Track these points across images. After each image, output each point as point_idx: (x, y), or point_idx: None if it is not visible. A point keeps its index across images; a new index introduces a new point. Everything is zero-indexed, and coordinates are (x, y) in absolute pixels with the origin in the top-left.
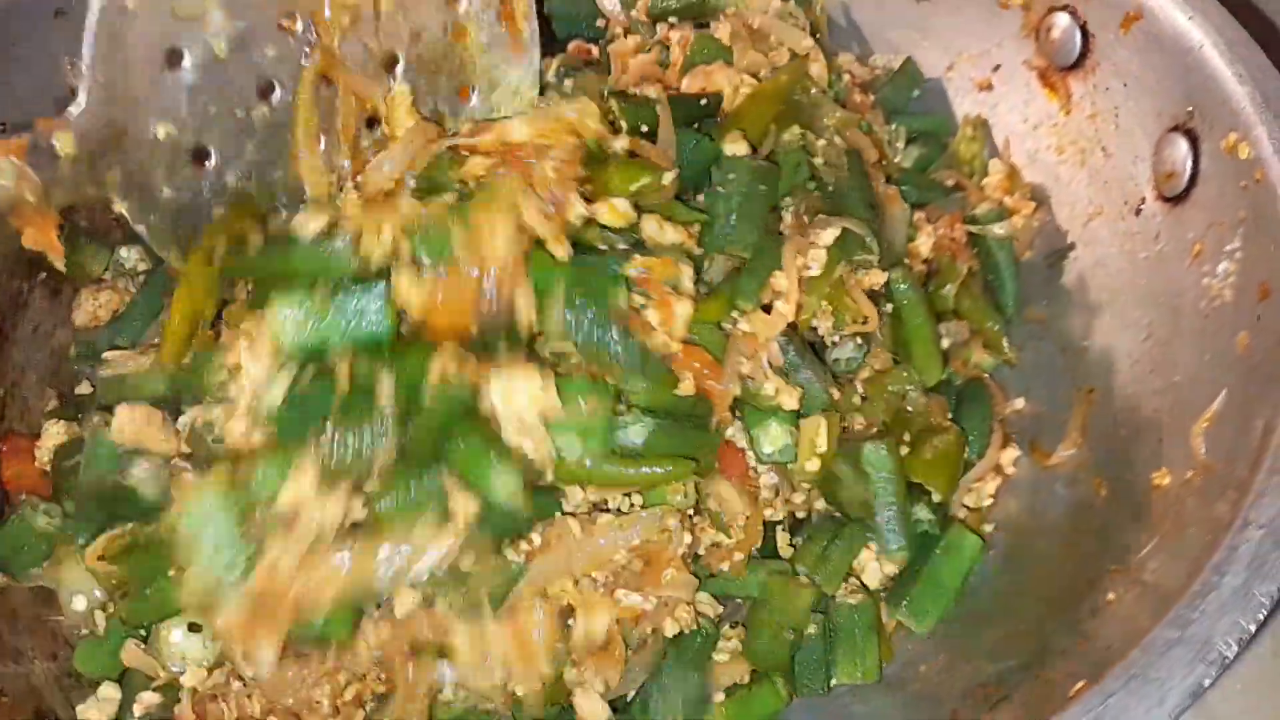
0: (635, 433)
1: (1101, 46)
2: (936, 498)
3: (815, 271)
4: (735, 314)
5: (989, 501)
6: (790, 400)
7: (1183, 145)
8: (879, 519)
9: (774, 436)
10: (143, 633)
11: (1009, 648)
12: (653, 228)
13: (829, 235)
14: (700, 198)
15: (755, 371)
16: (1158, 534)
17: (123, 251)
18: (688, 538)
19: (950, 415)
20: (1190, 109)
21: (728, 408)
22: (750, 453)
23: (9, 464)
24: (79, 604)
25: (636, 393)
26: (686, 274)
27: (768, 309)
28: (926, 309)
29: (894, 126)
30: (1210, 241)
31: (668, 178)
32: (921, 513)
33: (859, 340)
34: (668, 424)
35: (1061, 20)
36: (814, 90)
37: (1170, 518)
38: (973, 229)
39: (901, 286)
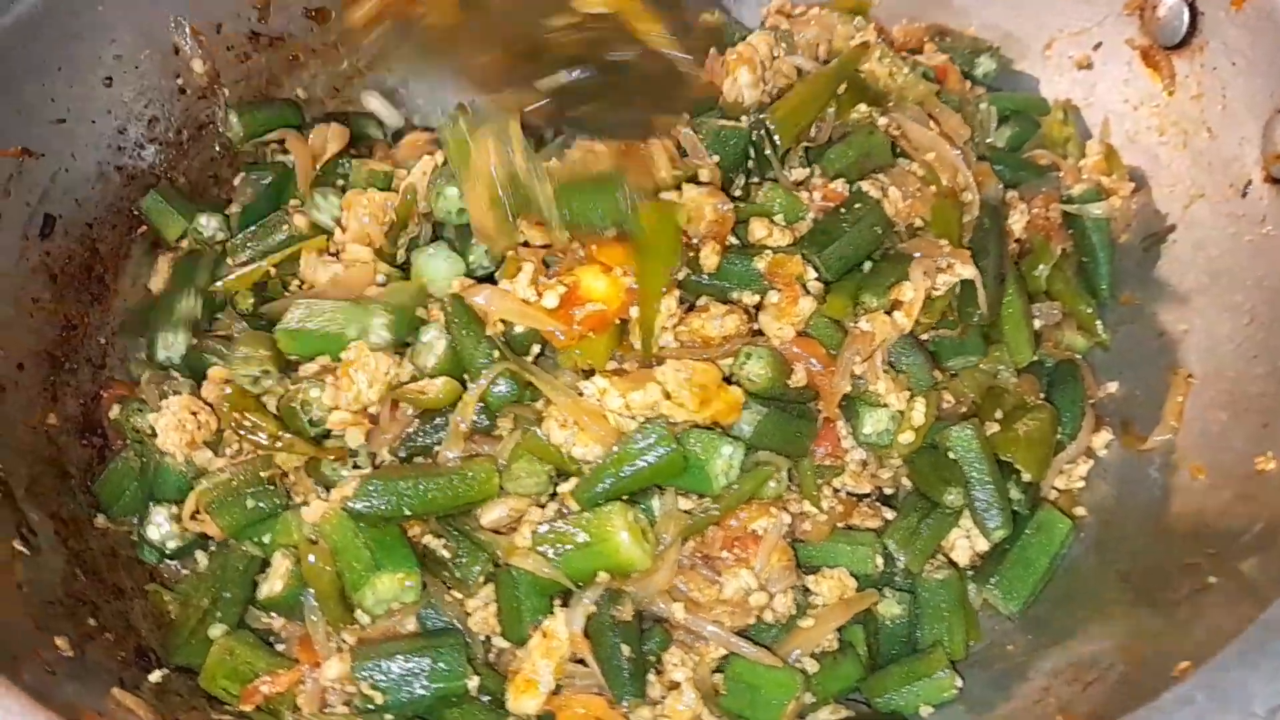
0: (746, 422)
1: (1210, 25)
2: (1027, 477)
3: (939, 293)
4: (859, 312)
5: (1080, 484)
6: (898, 401)
7: None
8: (977, 499)
9: (877, 421)
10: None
11: (1101, 629)
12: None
13: (966, 272)
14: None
15: (869, 371)
16: (1261, 519)
17: (202, 219)
18: (786, 518)
19: (1042, 396)
20: None
21: (836, 403)
22: (846, 430)
23: (111, 410)
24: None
25: (754, 381)
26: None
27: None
28: (1019, 289)
29: (986, 105)
30: None
31: None
32: (1011, 492)
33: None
34: (775, 414)
35: None
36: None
37: (1274, 500)
38: (1069, 209)
39: None
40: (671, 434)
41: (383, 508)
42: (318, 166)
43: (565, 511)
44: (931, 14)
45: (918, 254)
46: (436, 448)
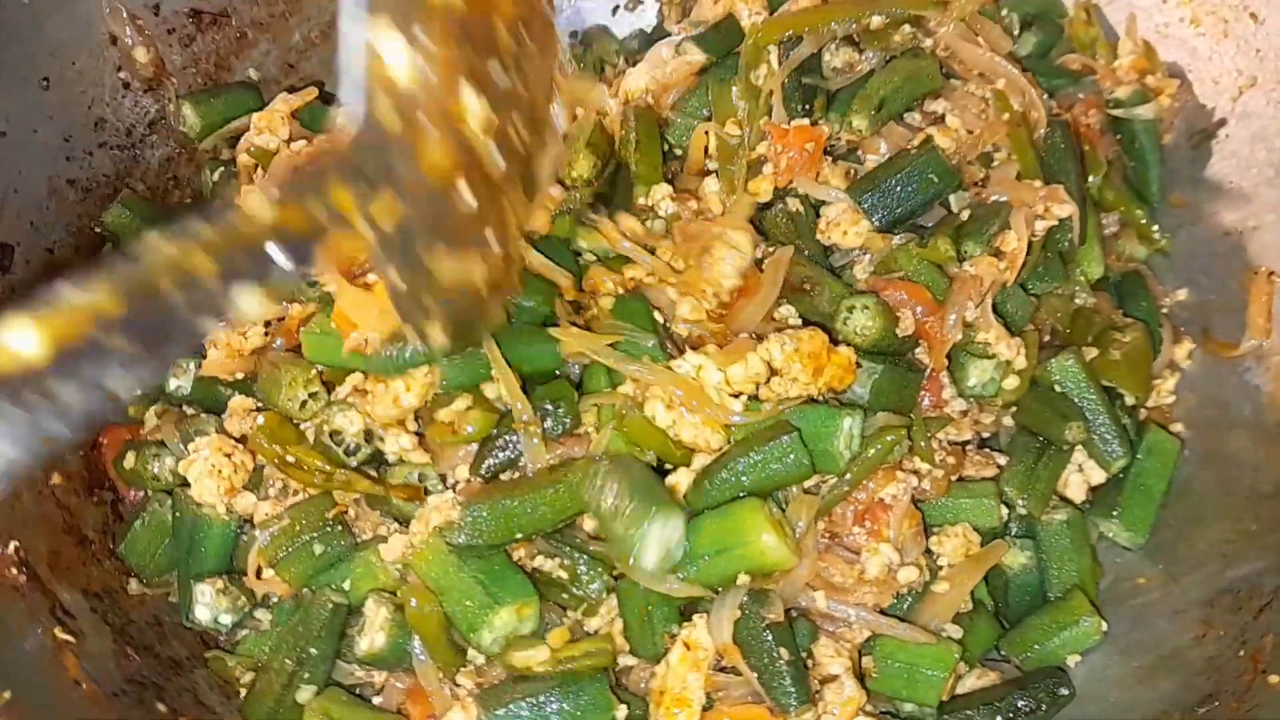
0: (860, 384)
1: None
2: (1131, 400)
3: (1039, 238)
4: (965, 257)
5: (1170, 399)
6: (1007, 350)
7: None
8: (1094, 430)
9: (982, 372)
10: None
11: (1249, 550)
12: None
13: (1064, 211)
14: None
15: (979, 318)
16: None
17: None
18: (913, 480)
19: (1120, 311)
20: None
21: (945, 353)
22: (947, 379)
23: (114, 455)
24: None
25: (863, 335)
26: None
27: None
28: (1087, 185)
29: (1005, 12)
30: None
31: None
32: (1119, 415)
33: None
34: (888, 369)
35: None
36: None
37: None
38: (1118, 113)
39: None
40: (800, 443)
41: (490, 535)
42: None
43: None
44: None
45: (1012, 201)
46: (520, 460)
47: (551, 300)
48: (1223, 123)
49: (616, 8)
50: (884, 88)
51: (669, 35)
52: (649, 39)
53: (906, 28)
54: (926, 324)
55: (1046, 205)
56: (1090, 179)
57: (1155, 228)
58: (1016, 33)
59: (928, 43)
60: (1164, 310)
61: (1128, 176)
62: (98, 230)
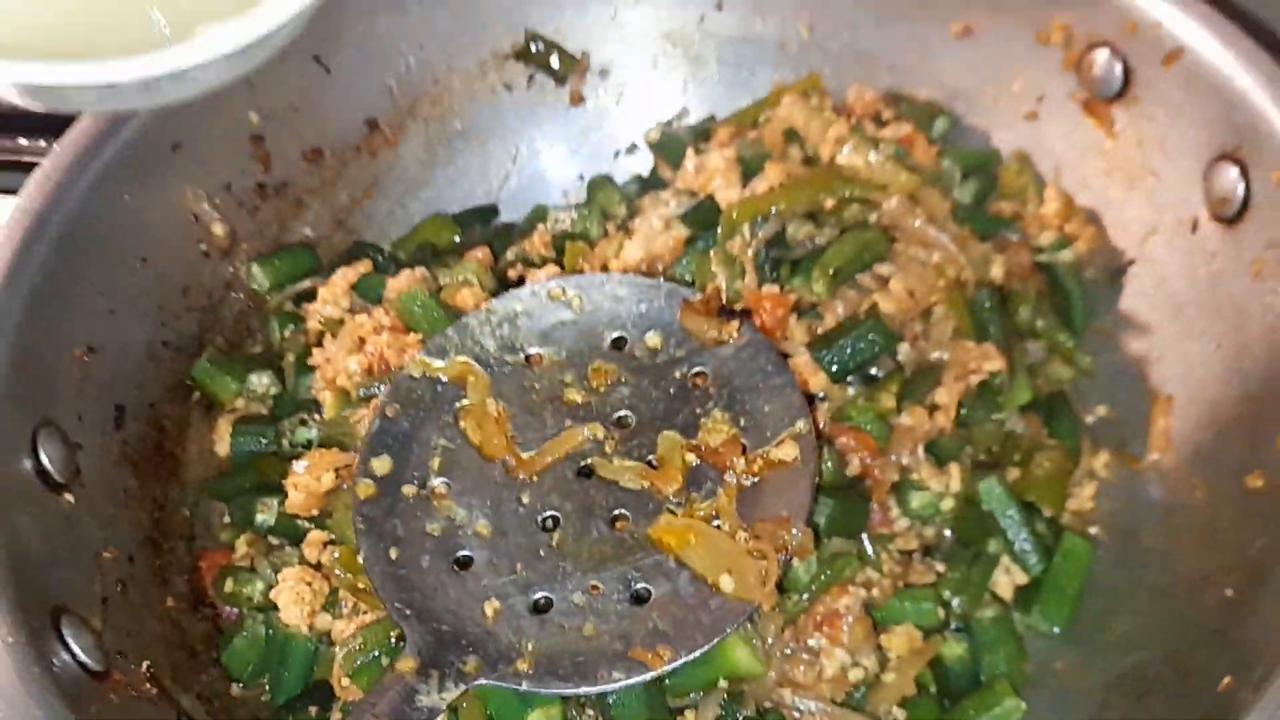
0: (820, 512)
1: (1143, 81)
2: (1049, 513)
3: (972, 388)
4: (904, 410)
5: (1089, 505)
6: (938, 483)
7: (1233, 172)
8: (1015, 545)
9: (921, 498)
10: None
11: (1140, 639)
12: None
13: (994, 365)
14: None
15: (913, 461)
16: (1262, 535)
17: (253, 378)
18: (862, 592)
19: (1045, 431)
20: (1237, 141)
21: (887, 490)
22: (893, 502)
23: (212, 578)
24: None
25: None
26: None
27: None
28: (1014, 337)
29: (948, 162)
30: (1270, 264)
31: None
32: (1038, 526)
33: None
34: (839, 503)
35: (1101, 56)
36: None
37: (1273, 519)
38: (1042, 259)
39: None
40: None
41: None
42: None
43: None
44: (878, 75)
45: (948, 359)
46: None
47: None
48: (1132, 262)
49: (617, 152)
50: (838, 258)
51: (661, 183)
52: (645, 184)
53: (856, 206)
54: (871, 467)
55: (979, 362)
56: (1022, 310)
57: (1079, 354)
58: (958, 179)
59: (874, 216)
60: (1086, 425)
61: (1055, 307)
62: (188, 383)
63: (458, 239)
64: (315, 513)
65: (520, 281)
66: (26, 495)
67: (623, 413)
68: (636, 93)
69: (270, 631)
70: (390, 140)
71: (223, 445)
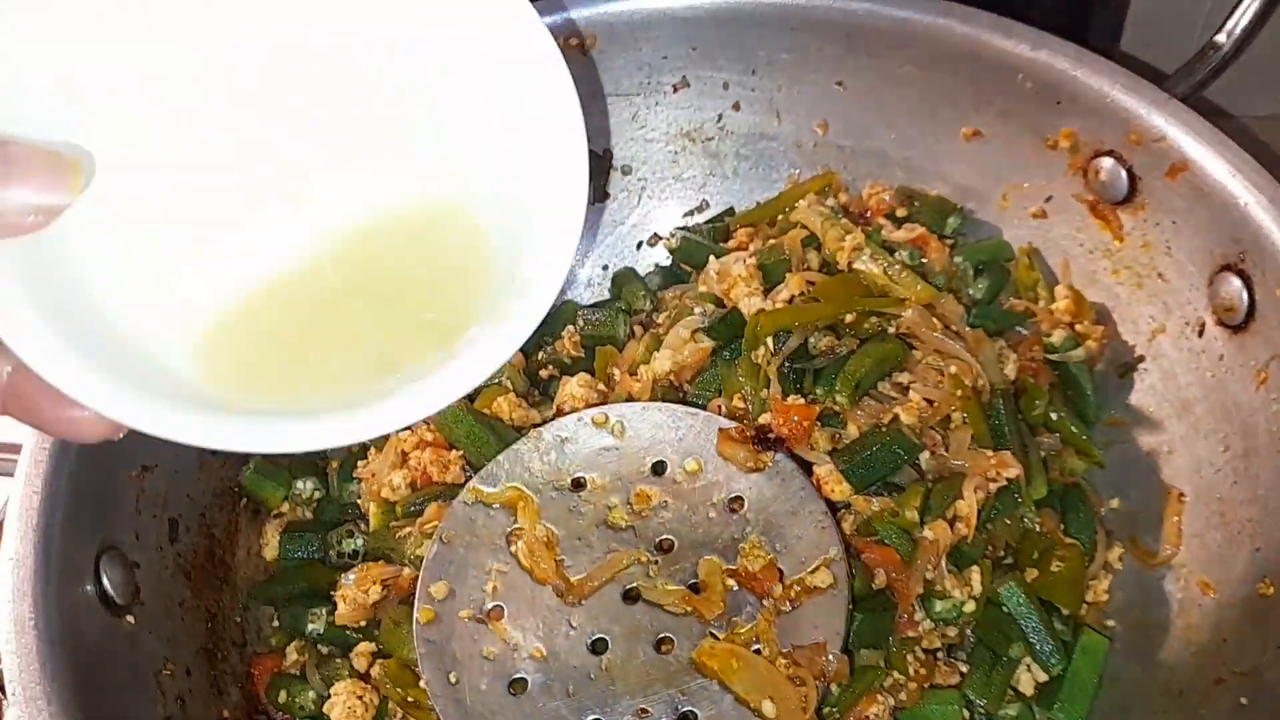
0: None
1: (1148, 188)
2: (1066, 611)
3: (991, 495)
4: (925, 524)
5: (1105, 598)
6: (961, 593)
7: (1236, 282)
8: (1037, 648)
9: (945, 605)
10: None
11: None
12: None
13: (1012, 473)
14: None
15: (936, 575)
16: (1271, 646)
17: (298, 484)
18: (890, 700)
19: (1061, 523)
20: (1241, 253)
21: (912, 600)
22: (918, 606)
23: (264, 684)
24: None
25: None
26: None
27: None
28: (1028, 435)
29: (961, 260)
30: (1275, 373)
31: None
32: (1056, 625)
33: None
34: (867, 616)
35: (1107, 163)
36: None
37: None
38: (1053, 358)
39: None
40: None
41: None
42: None
43: None
44: (892, 172)
45: (967, 469)
46: None
47: None
48: (1141, 359)
49: (640, 244)
50: (860, 369)
51: (684, 274)
52: (669, 274)
53: (874, 318)
54: (897, 580)
55: (997, 470)
56: (1036, 404)
57: (1091, 445)
58: (971, 276)
59: (891, 328)
60: (1100, 517)
61: (1067, 401)
62: (236, 489)
63: None
64: (363, 623)
65: (552, 382)
66: (91, 621)
67: (665, 536)
68: (657, 187)
69: None
70: None
71: (270, 549)
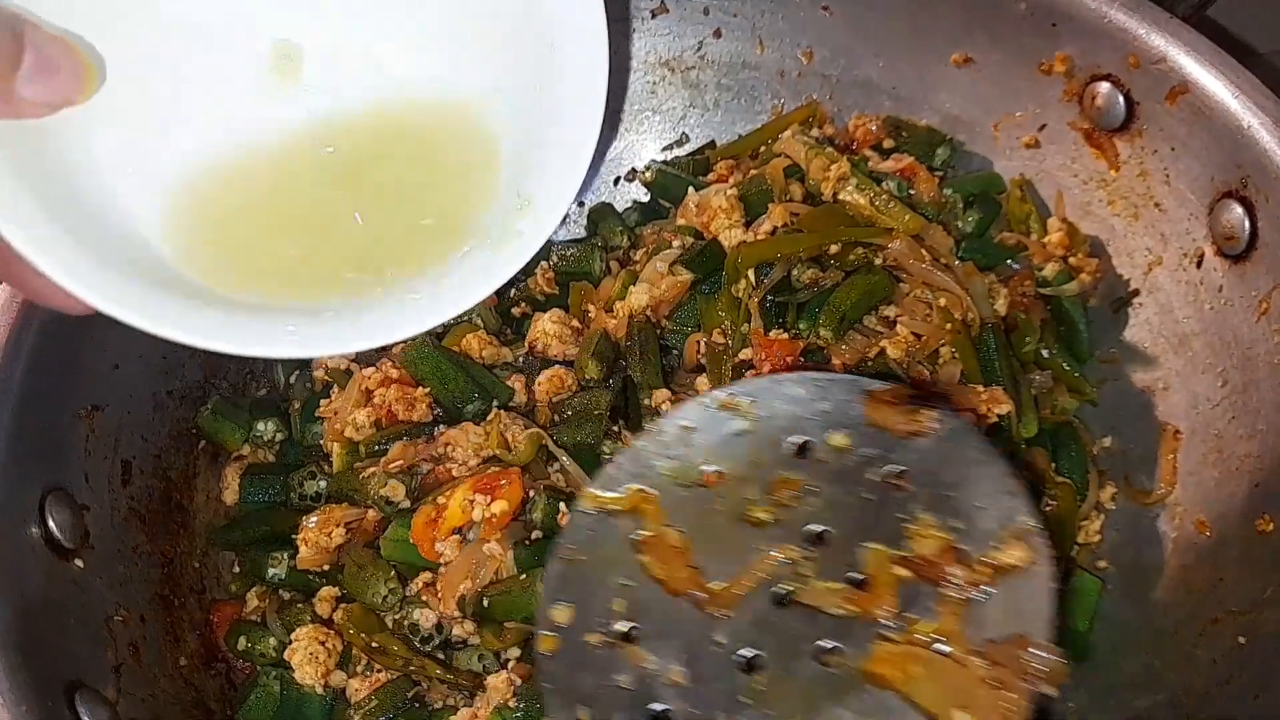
0: None
1: (1147, 114)
2: (1056, 553)
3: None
4: None
5: (1097, 538)
6: None
7: (1238, 210)
8: None
9: None
10: None
11: (1151, 683)
12: None
13: (1004, 409)
14: None
15: None
16: (1272, 582)
17: (259, 425)
18: None
19: (1052, 462)
20: (1243, 178)
21: None
22: None
23: (224, 631)
24: None
25: None
26: None
27: None
28: (1020, 371)
29: (950, 192)
30: (1276, 303)
31: None
32: None
33: None
34: None
35: (1103, 88)
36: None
37: None
38: (1046, 291)
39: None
40: None
41: (540, 712)
42: None
43: None
44: (879, 102)
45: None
46: None
47: None
48: (1136, 293)
49: (618, 179)
50: (845, 302)
51: (663, 209)
52: (645, 209)
53: (860, 249)
54: None
55: (988, 406)
56: (1027, 341)
57: (1084, 382)
58: (961, 209)
59: (879, 259)
60: (1091, 457)
61: (1060, 337)
62: (194, 431)
63: None
64: (326, 567)
65: (524, 320)
66: (36, 565)
67: (817, 527)
68: (635, 120)
69: (285, 689)
70: None
71: (230, 493)
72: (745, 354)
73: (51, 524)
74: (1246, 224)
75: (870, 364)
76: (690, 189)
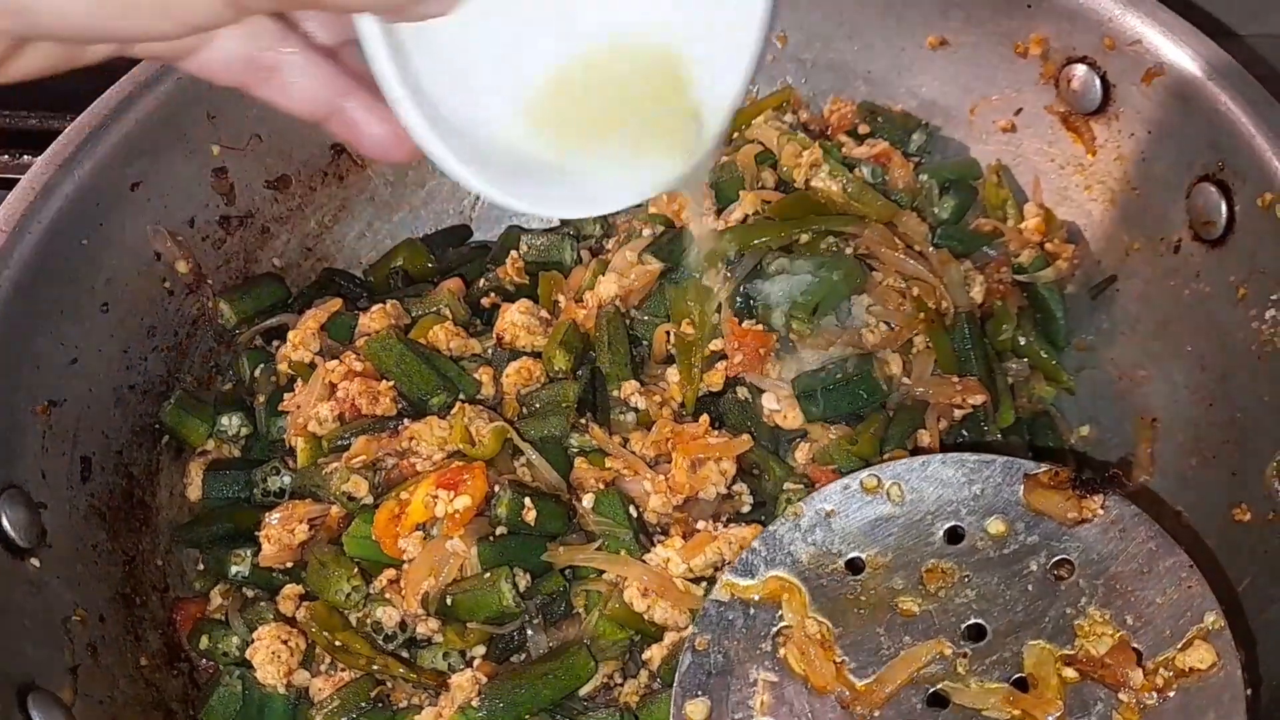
0: None
1: (1123, 96)
2: None
3: (957, 421)
4: (886, 452)
5: None
6: None
7: (1215, 194)
8: None
9: None
10: None
11: None
12: None
13: (977, 400)
14: None
15: None
16: (1248, 574)
17: (223, 420)
18: None
19: (1029, 452)
20: (1220, 162)
21: None
22: None
23: (187, 630)
24: None
25: None
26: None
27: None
28: (995, 361)
29: (926, 178)
30: (1254, 288)
31: None
32: None
33: None
34: None
35: (1080, 70)
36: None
37: (1260, 556)
38: (1022, 278)
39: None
40: None
41: (503, 714)
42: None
43: (655, 678)
44: (854, 86)
45: (932, 397)
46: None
47: (560, 517)
48: (1114, 278)
49: None
50: (816, 293)
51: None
52: None
53: (831, 238)
54: None
55: (962, 397)
56: (1004, 328)
57: (1061, 370)
58: (937, 195)
59: (850, 247)
60: (1068, 446)
61: (1037, 324)
62: (156, 426)
63: (430, 264)
64: (289, 565)
65: (494, 310)
66: None
67: (973, 620)
68: None
69: (247, 689)
70: (359, 163)
71: (194, 489)
72: (716, 345)
73: (5, 523)
74: (1224, 208)
75: (852, 371)
76: None
